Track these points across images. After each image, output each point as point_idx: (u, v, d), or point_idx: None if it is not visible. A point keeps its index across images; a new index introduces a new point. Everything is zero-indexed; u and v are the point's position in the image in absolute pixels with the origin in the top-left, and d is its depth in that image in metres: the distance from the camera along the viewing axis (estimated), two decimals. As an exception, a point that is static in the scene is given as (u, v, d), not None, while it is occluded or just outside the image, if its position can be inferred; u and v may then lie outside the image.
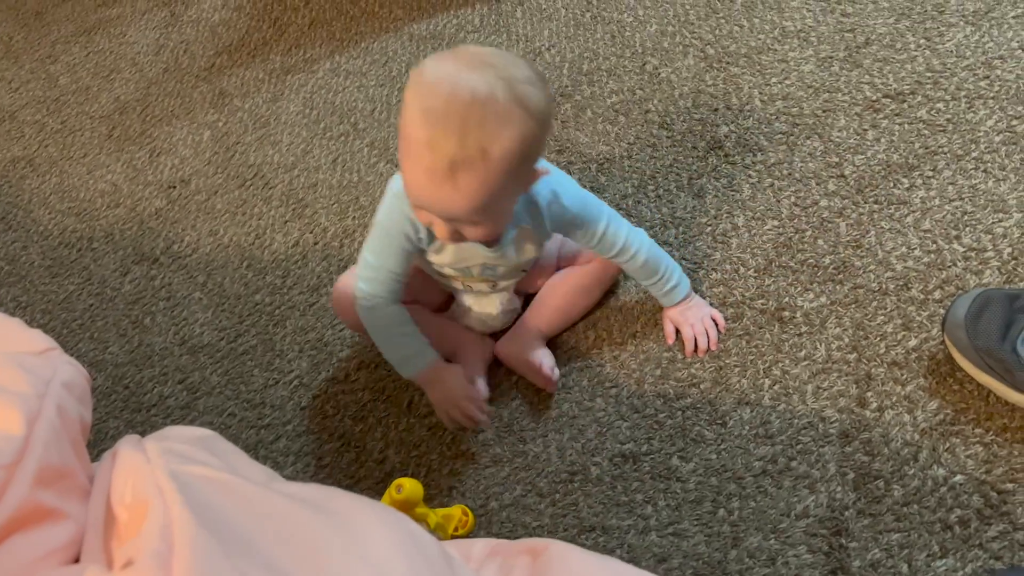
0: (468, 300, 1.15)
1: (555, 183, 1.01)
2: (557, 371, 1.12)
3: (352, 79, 1.65)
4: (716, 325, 1.12)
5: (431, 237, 1.02)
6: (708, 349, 1.11)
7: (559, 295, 1.16)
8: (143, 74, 1.83)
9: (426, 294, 1.18)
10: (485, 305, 1.14)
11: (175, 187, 1.57)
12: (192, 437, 0.61)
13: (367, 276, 1.05)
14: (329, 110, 1.61)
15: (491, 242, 1.02)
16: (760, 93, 1.35)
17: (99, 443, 1.25)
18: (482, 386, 1.12)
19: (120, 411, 1.28)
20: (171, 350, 1.34)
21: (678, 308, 1.12)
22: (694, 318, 1.11)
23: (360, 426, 1.17)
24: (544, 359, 1.12)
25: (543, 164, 0.95)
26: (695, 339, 1.11)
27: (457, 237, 0.93)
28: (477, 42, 1.62)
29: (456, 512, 1.03)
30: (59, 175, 1.68)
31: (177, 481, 0.53)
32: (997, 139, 1.18)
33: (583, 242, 1.07)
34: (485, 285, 1.12)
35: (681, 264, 1.19)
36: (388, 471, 1.12)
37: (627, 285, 1.20)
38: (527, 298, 1.19)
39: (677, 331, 1.13)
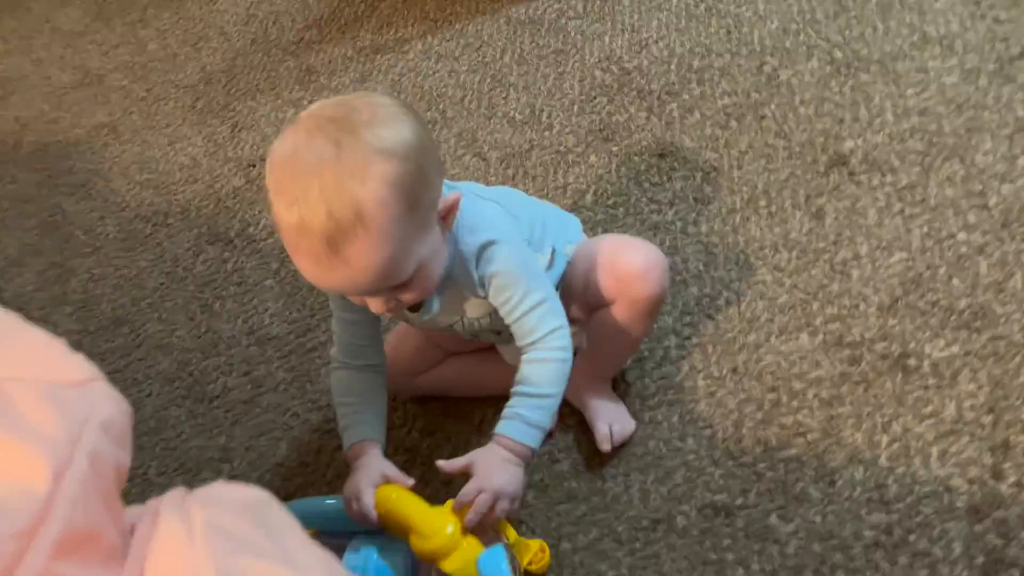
0: (506, 348, 1.03)
1: (497, 233, 0.87)
2: (616, 434, 0.99)
3: (444, 63, 1.56)
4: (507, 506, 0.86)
5: None
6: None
7: (600, 344, 0.99)
8: (231, 44, 1.78)
9: (466, 344, 1.06)
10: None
11: (255, 166, 1.52)
12: (243, 503, 0.53)
13: (335, 331, 0.96)
14: (417, 94, 1.52)
15: (415, 307, 0.89)
16: (893, 105, 1.21)
17: (161, 430, 1.21)
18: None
19: (183, 399, 1.24)
20: (239, 339, 1.29)
21: (497, 454, 0.86)
22: (501, 484, 0.84)
23: (428, 440, 1.09)
24: (598, 419, 0.99)
25: (496, 218, 0.88)
26: (470, 510, 0.83)
27: (397, 306, 0.84)
28: (579, 30, 1.51)
29: (534, 545, 0.94)
30: (141, 144, 1.64)
31: (231, 557, 0.45)
32: None
33: (502, 312, 0.89)
34: (493, 336, 0.97)
35: (793, 293, 1.07)
36: (453, 493, 1.04)
37: (729, 312, 1.09)
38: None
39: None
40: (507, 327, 0.91)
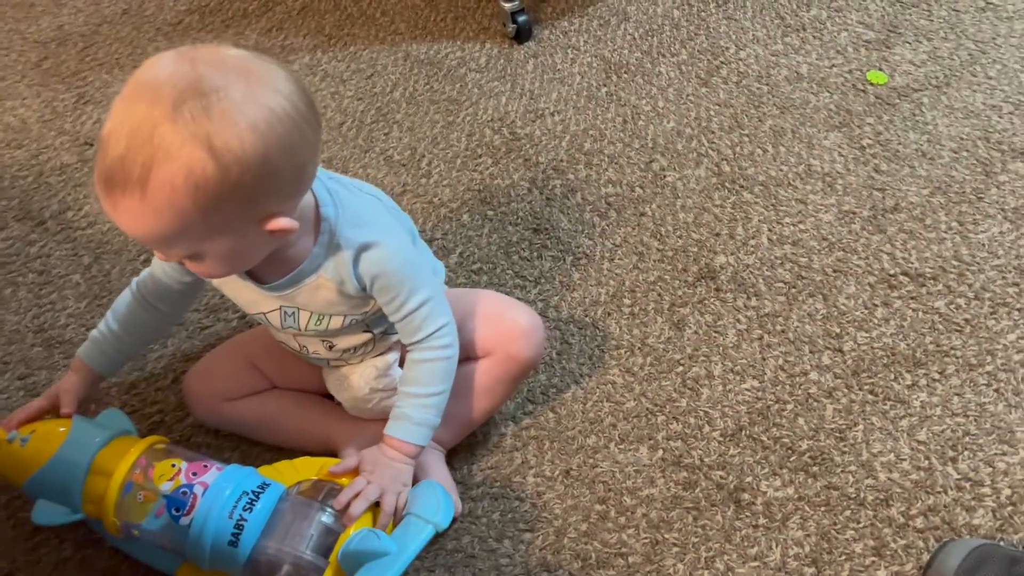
0: (331, 376, 0.95)
1: (380, 233, 0.85)
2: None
3: (329, 83, 1.46)
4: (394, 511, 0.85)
5: None
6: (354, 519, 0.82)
7: (453, 403, 0.91)
8: (98, 8, 1.61)
9: (289, 374, 0.98)
10: (351, 378, 0.93)
11: (92, 145, 1.35)
12: None
13: (153, 260, 0.91)
14: (294, 109, 1.40)
15: (268, 278, 0.84)
16: (770, 230, 1.20)
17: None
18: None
19: (-65, 393, 1.04)
20: (23, 335, 1.11)
21: (385, 453, 0.86)
22: (388, 480, 0.84)
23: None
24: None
25: (378, 215, 0.87)
26: (357, 498, 0.82)
27: (172, 261, 0.82)
28: (477, 83, 1.45)
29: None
30: (-35, 92, 1.44)
31: None
32: (1016, 358, 1.04)
33: (388, 311, 0.87)
34: (321, 346, 0.91)
35: (640, 401, 1.02)
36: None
37: (573, 408, 1.02)
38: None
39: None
40: (337, 337, 0.90)
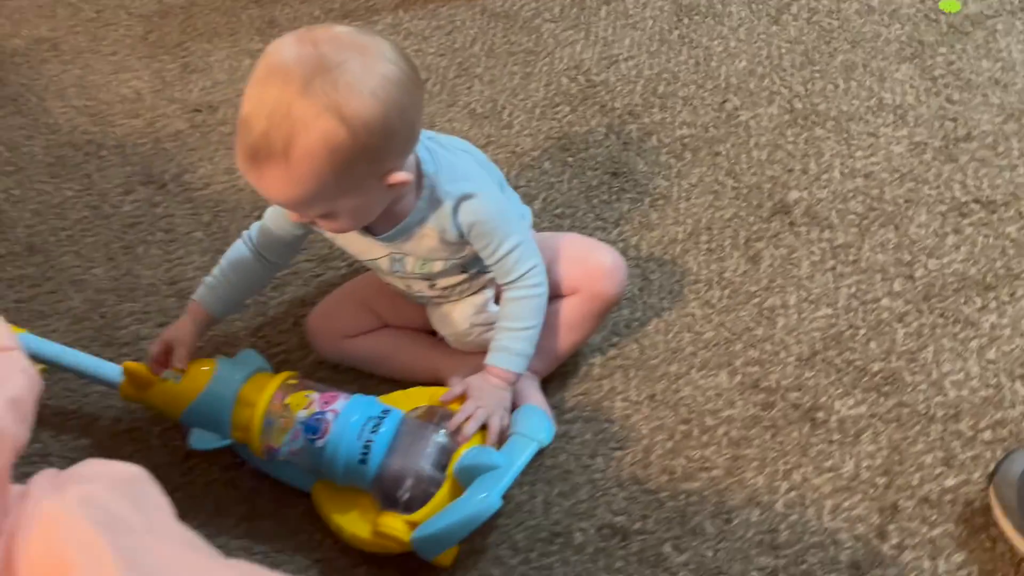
0: (434, 313, 1.05)
1: (475, 185, 0.94)
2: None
3: (412, 40, 1.54)
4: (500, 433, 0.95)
5: None
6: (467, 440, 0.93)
7: (545, 337, 1.00)
8: (194, -20, 1.71)
9: (400, 313, 1.08)
10: (452, 315, 1.03)
11: (201, 111, 1.46)
12: (119, 480, 0.51)
13: (264, 216, 1.02)
14: (381, 68, 1.49)
15: (379, 231, 0.94)
16: (842, 164, 1.25)
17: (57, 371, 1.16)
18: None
19: (91, 341, 1.18)
20: (158, 287, 1.24)
21: (488, 380, 0.96)
22: (493, 404, 0.95)
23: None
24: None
25: (471, 170, 0.96)
26: (468, 420, 0.93)
27: (309, 222, 0.91)
28: (552, 33, 1.51)
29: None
30: (82, 67, 1.57)
31: (114, 536, 0.43)
32: (1087, 279, 1.08)
33: (483, 256, 0.97)
34: (424, 285, 1.01)
35: (719, 331, 1.10)
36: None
37: (656, 339, 1.11)
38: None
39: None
40: (438, 278, 0.99)
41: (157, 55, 1.57)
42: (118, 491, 0.49)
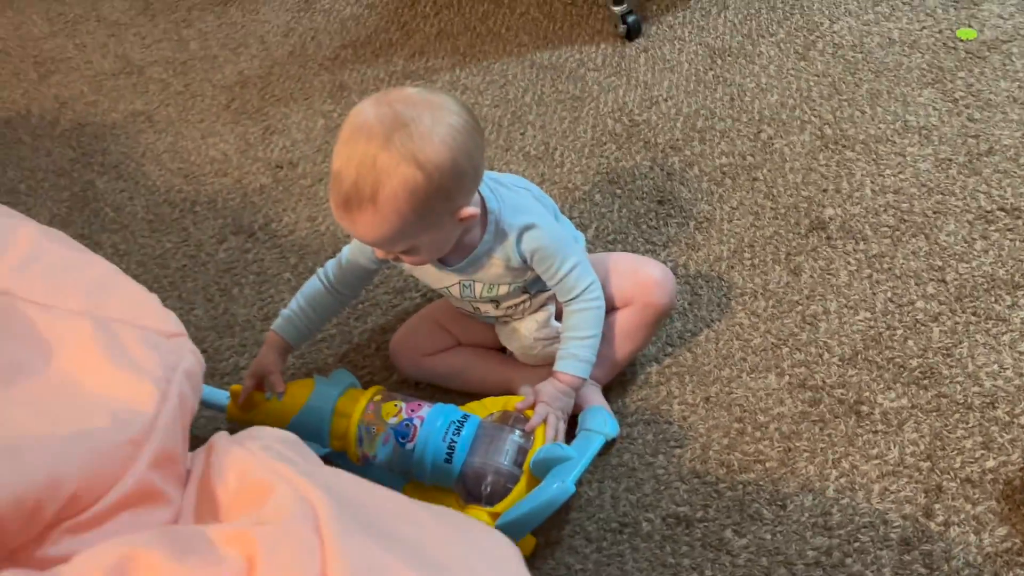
0: (503, 331, 1.17)
1: (534, 217, 1.06)
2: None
3: (469, 95, 1.69)
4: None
5: None
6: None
7: (603, 347, 1.11)
8: (269, 53, 1.90)
9: (470, 332, 1.21)
10: (519, 331, 1.15)
11: (282, 168, 1.62)
12: (281, 437, 0.63)
13: (341, 253, 1.14)
14: (441, 120, 1.64)
15: (452, 262, 1.07)
16: (872, 182, 1.35)
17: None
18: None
19: (195, 373, 1.32)
20: (253, 323, 1.38)
21: (556, 386, 1.07)
22: (560, 406, 1.07)
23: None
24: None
25: (529, 204, 1.08)
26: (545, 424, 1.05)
27: (394, 258, 1.03)
28: (596, 80, 1.65)
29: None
30: (174, 135, 1.75)
31: (296, 467, 0.55)
32: (1111, 274, 1.16)
33: (545, 278, 1.08)
34: (490, 306, 1.13)
35: (766, 337, 1.19)
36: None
37: (707, 348, 1.21)
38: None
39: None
40: (500, 300, 1.12)
41: (240, 120, 1.74)
42: (286, 444, 0.61)
